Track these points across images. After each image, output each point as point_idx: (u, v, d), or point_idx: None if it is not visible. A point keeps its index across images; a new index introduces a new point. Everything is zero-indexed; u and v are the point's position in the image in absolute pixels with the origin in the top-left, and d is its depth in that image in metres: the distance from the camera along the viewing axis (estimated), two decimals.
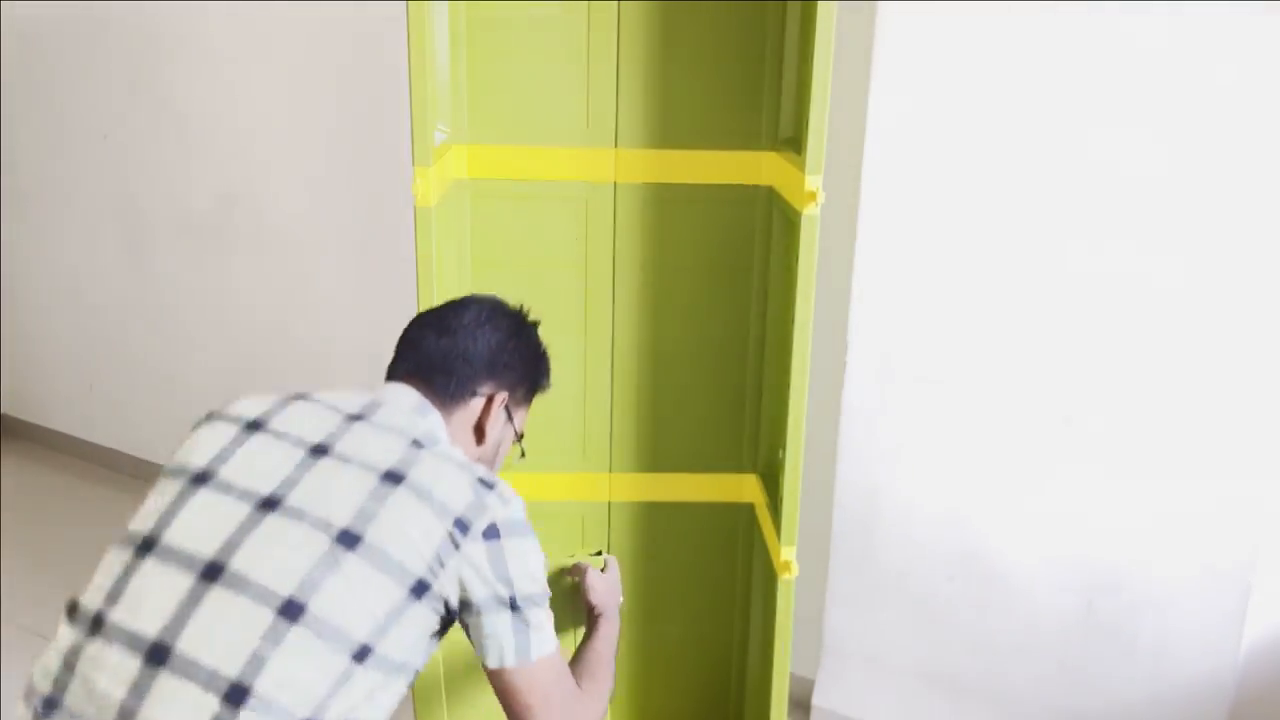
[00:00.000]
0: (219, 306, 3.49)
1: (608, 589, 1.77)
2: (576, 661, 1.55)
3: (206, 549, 1.22)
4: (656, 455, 2.09)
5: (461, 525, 1.25)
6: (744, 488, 2.10)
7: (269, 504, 1.24)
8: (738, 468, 2.10)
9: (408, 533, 1.23)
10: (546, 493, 2.09)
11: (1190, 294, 1.97)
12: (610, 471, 2.09)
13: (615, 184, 1.95)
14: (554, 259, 1.99)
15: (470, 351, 1.46)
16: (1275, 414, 1.95)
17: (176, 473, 1.31)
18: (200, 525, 1.24)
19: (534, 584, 1.31)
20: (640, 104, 1.91)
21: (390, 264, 3.08)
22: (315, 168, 3.15)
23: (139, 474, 3.78)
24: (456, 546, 1.25)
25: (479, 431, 1.48)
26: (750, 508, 2.10)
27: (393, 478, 1.27)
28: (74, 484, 3.84)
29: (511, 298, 1.89)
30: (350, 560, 1.21)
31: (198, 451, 1.32)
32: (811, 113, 1.61)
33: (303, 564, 1.20)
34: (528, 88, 1.90)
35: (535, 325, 1.59)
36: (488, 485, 1.30)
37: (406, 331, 1.51)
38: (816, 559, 2.43)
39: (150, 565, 1.22)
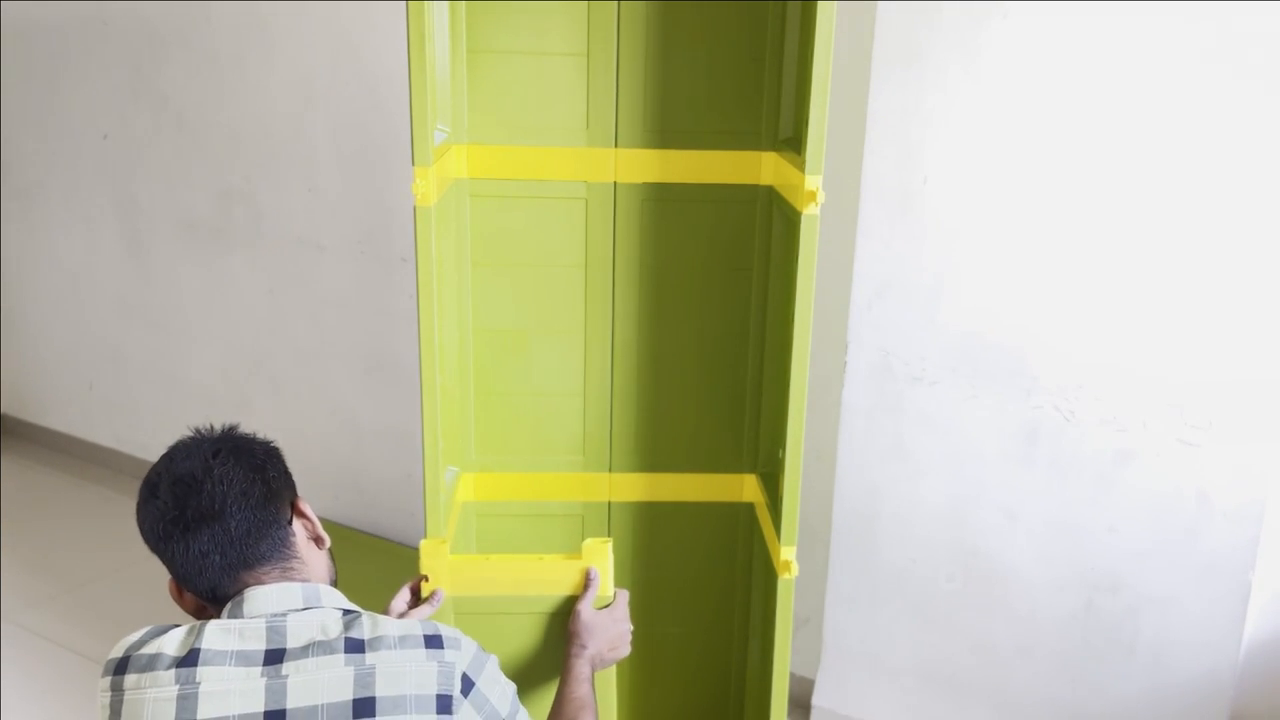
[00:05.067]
0: (219, 306, 3.50)
1: (595, 620, 1.67)
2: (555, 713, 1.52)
3: None
4: (656, 455, 2.09)
5: (444, 702, 1.25)
6: (744, 488, 2.10)
7: None
8: (738, 468, 2.10)
9: None
10: (546, 493, 2.09)
11: (1190, 294, 1.97)
12: (610, 471, 2.09)
13: (615, 184, 1.95)
14: (554, 259, 1.99)
15: (239, 510, 1.31)
16: (1274, 414, 1.95)
17: None
18: None
19: (508, 700, 1.34)
20: (640, 104, 1.91)
21: (390, 264, 3.09)
22: (315, 168, 3.15)
23: (139, 474, 3.76)
24: (451, 713, 1.25)
25: (319, 541, 1.40)
26: (750, 508, 2.10)
27: (364, 708, 1.21)
28: (74, 484, 3.84)
29: (511, 297, 1.87)
30: None
31: None
32: (811, 113, 1.61)
33: None
34: (528, 88, 1.90)
35: (230, 433, 1.40)
36: (438, 644, 1.27)
37: (171, 548, 1.31)
38: (816, 559, 2.43)
39: None
